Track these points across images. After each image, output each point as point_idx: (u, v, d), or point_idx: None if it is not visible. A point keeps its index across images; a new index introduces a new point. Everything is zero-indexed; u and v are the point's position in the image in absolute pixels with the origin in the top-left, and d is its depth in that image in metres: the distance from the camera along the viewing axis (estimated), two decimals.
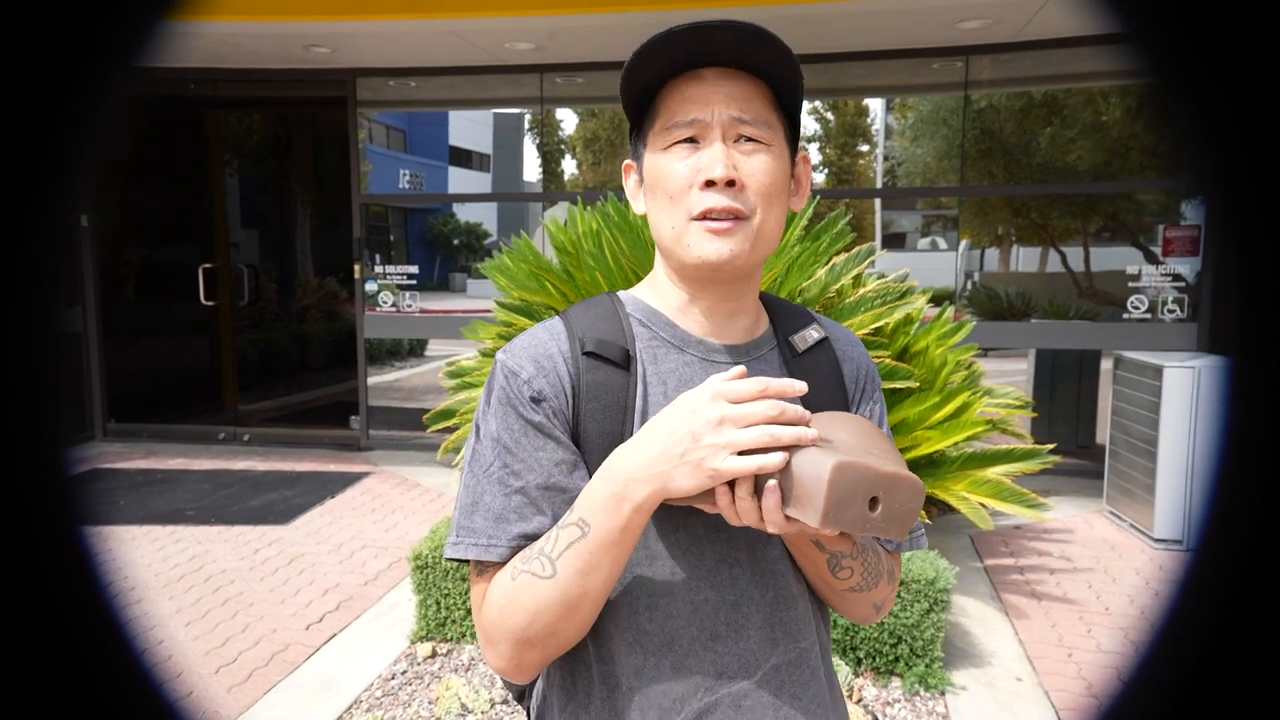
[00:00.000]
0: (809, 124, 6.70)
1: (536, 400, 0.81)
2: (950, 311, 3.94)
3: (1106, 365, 5.27)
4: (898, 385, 3.29)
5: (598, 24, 4.74)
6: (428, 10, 4.64)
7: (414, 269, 6.03)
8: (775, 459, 0.68)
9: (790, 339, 0.92)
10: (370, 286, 6.01)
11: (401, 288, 6.00)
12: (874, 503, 0.68)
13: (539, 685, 0.92)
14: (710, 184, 0.79)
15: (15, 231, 0.28)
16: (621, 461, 0.74)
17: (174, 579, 3.65)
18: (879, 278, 3.91)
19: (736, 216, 0.79)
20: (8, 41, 0.28)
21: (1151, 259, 5.25)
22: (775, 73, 0.80)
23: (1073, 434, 5.53)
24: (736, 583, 0.84)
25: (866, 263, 3.74)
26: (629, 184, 0.90)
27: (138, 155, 6.73)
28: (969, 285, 5.81)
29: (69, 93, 0.29)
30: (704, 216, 0.79)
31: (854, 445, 0.72)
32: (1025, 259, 6.10)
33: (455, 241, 6.97)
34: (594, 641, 0.84)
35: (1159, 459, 4.07)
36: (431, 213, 6.93)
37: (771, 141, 0.81)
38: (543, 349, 0.84)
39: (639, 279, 3.45)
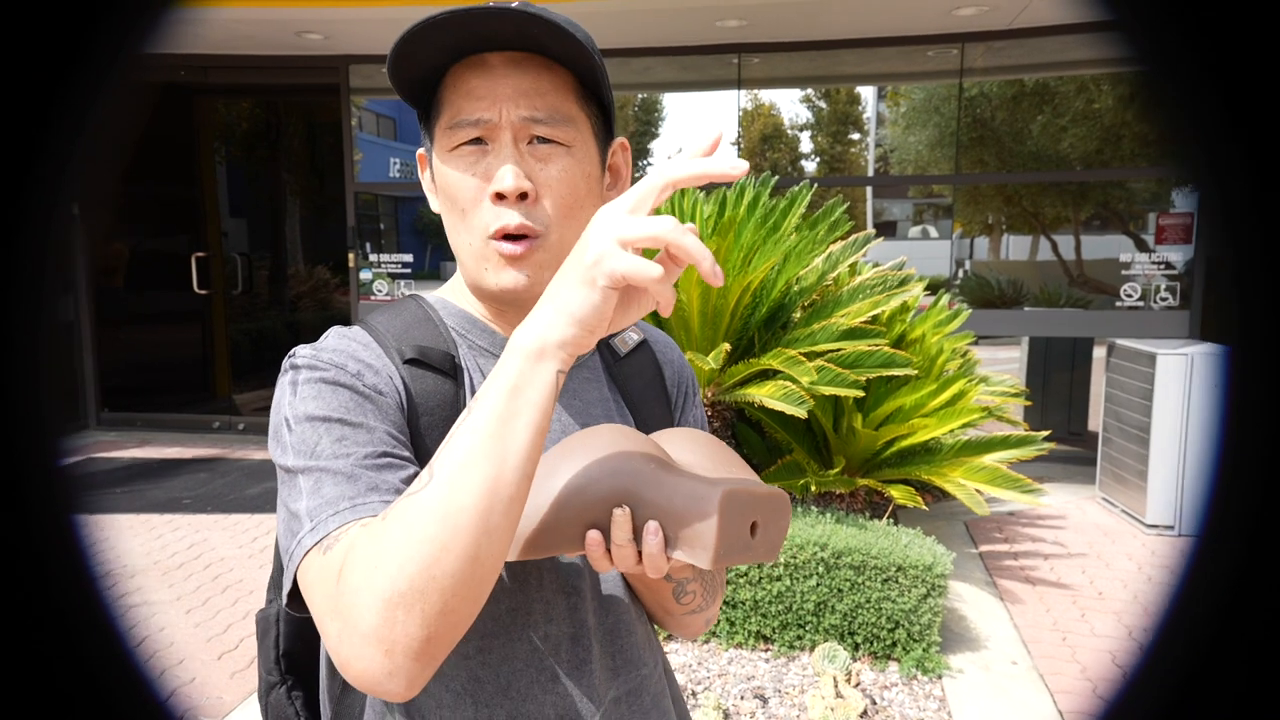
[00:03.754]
0: (800, 112, 6.69)
1: (376, 391, 0.68)
2: (946, 299, 3.96)
3: (1099, 353, 5.32)
4: (895, 372, 3.32)
5: (599, 10, 4.71)
6: None
7: (408, 257, 6.02)
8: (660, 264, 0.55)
9: (610, 342, 0.85)
10: (365, 275, 5.99)
11: (395, 276, 5.99)
12: (753, 528, 0.61)
13: None
14: (500, 197, 0.69)
15: (12, 224, 0.28)
16: (518, 329, 0.59)
17: (173, 567, 3.65)
18: (873, 266, 3.93)
19: (530, 235, 0.70)
20: (6, 33, 0.27)
21: (1143, 247, 5.29)
22: (572, 56, 0.70)
23: (1065, 421, 5.58)
24: (576, 613, 0.75)
25: (863, 251, 3.76)
26: (424, 178, 0.79)
27: (129, 141, 6.64)
28: (960, 273, 5.85)
29: (65, 83, 0.28)
30: (501, 235, 0.70)
31: (712, 466, 0.66)
32: (1016, 247, 6.14)
33: None
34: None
35: (1152, 445, 4.12)
36: (422, 201, 6.89)
37: (572, 141, 0.71)
38: (356, 354, 0.70)
39: None
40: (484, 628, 0.72)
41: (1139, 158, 5.41)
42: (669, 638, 2.98)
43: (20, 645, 0.29)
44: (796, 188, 3.64)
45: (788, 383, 3.10)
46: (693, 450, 0.68)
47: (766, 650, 2.94)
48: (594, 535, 0.62)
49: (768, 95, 6.31)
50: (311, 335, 0.75)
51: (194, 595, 3.36)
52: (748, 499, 0.60)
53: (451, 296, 0.80)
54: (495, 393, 0.56)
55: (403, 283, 5.97)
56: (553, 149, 0.70)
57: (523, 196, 0.69)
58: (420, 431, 0.70)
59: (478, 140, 0.70)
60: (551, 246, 0.71)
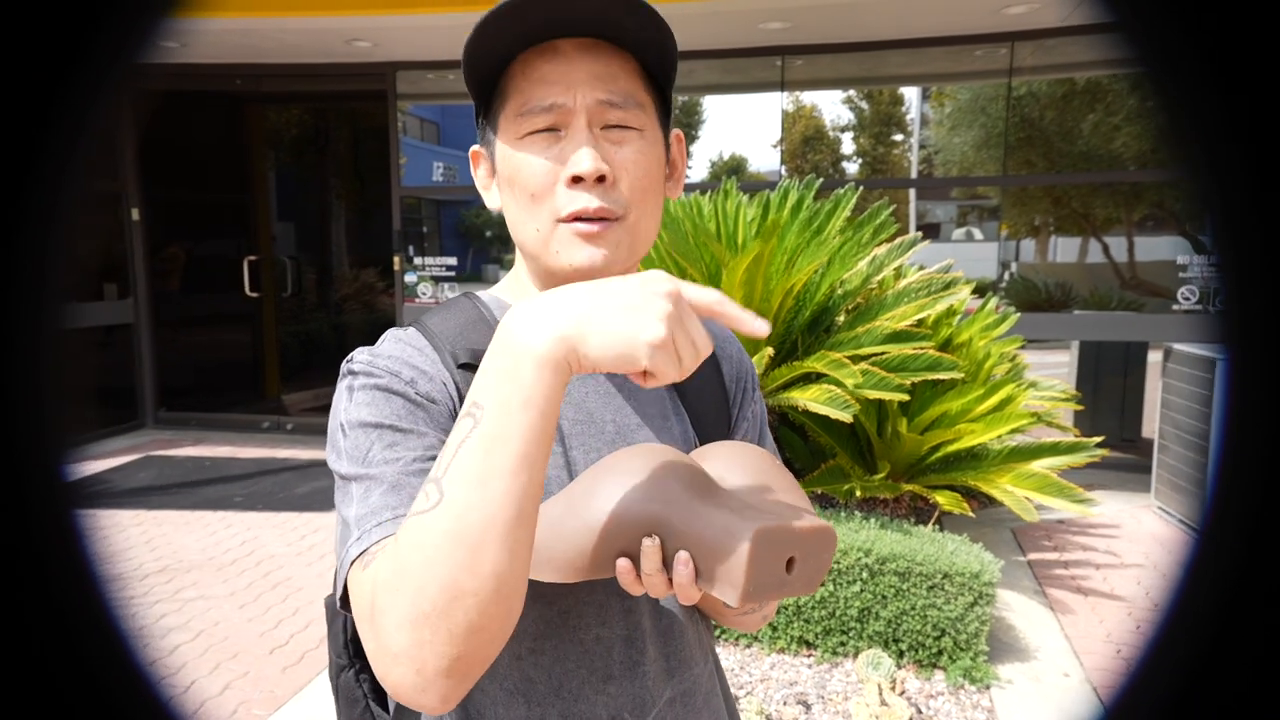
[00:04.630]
0: (842, 113, 6.63)
1: (428, 399, 0.69)
2: (993, 303, 3.89)
3: (1154, 357, 5.17)
4: (941, 376, 3.26)
5: None
6: (468, 2, 4.67)
7: (452, 260, 6.11)
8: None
9: None
10: (410, 278, 6.10)
11: (439, 279, 6.08)
12: (790, 563, 0.59)
13: None
14: (578, 180, 0.68)
15: (11, 230, 0.28)
16: (520, 313, 0.56)
17: (226, 563, 3.75)
18: (918, 269, 3.87)
19: (608, 218, 0.70)
20: (11, 37, 0.27)
21: (1202, 248, 5.12)
22: (644, 42, 0.70)
23: (1117, 427, 5.43)
24: (630, 615, 0.75)
25: (910, 253, 3.71)
26: (478, 175, 0.78)
27: (184, 149, 6.88)
28: (1006, 276, 5.73)
29: (65, 83, 0.28)
30: (574, 218, 0.69)
31: (754, 488, 0.65)
32: (1064, 249, 6.00)
33: (488, 234, 7.03)
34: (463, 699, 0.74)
35: (1211, 454, 3.98)
36: (464, 205, 6.99)
37: (644, 125, 0.71)
38: (411, 360, 0.71)
39: (679, 269, 3.46)
40: (536, 629, 0.72)
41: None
42: (718, 636, 2.98)
43: (20, 646, 0.30)
44: (842, 190, 3.61)
45: (832, 387, 3.07)
46: (738, 470, 0.66)
47: (809, 656, 2.92)
48: (624, 563, 0.61)
49: (810, 97, 6.27)
50: (357, 338, 0.77)
51: (246, 591, 3.45)
52: (783, 536, 0.57)
53: (506, 295, 0.79)
54: (502, 403, 0.54)
55: (446, 285, 6.06)
56: (625, 133, 0.70)
57: (600, 179, 0.69)
58: None
59: (550, 129, 0.69)
60: (629, 228, 0.71)
